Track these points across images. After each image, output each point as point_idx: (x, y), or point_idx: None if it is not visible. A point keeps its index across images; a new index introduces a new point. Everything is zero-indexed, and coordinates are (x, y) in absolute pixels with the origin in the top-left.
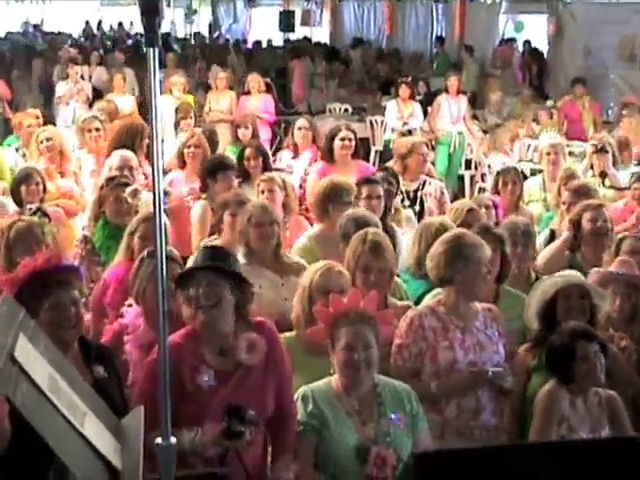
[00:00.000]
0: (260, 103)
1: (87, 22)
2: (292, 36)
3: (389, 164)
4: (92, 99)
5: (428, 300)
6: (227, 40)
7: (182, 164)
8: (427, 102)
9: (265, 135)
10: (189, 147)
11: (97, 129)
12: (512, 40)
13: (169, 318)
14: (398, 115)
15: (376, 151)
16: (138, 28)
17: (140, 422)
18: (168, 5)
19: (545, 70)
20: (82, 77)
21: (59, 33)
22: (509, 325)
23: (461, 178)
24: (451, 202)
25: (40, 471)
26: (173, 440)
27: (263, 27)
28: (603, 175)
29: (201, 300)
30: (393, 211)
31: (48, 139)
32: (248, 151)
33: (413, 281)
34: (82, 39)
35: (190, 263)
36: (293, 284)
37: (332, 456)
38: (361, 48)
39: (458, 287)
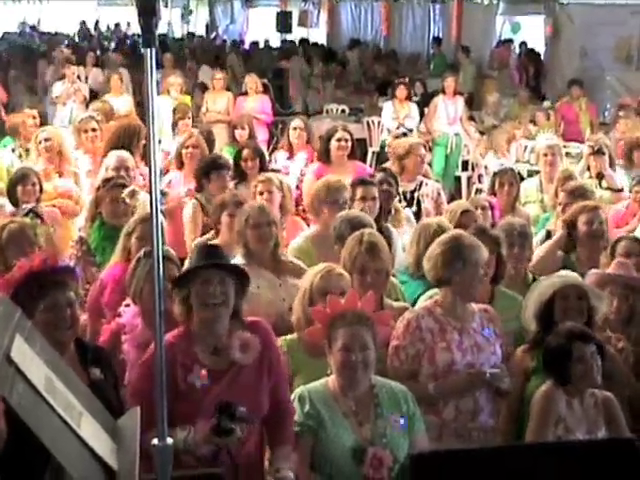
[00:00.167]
0: (257, 104)
1: (82, 22)
2: (289, 37)
3: (386, 165)
4: (89, 100)
5: (423, 301)
6: (224, 41)
7: (180, 164)
8: (424, 103)
9: (262, 136)
10: (187, 147)
11: (93, 129)
12: (509, 41)
13: (166, 318)
14: (394, 116)
15: (373, 152)
16: (135, 28)
17: (136, 423)
18: (165, 6)
19: (542, 71)
20: (79, 77)
21: (56, 33)
22: (505, 326)
23: (458, 179)
24: (448, 203)
25: (36, 471)
26: (170, 441)
27: (260, 28)
28: (600, 176)
29: (210, 298)
30: (393, 212)
31: (47, 139)
32: (245, 152)
33: (411, 282)
34: (77, 39)
35: (187, 263)
36: (291, 285)
37: (328, 457)
38: (358, 49)
39: (455, 288)
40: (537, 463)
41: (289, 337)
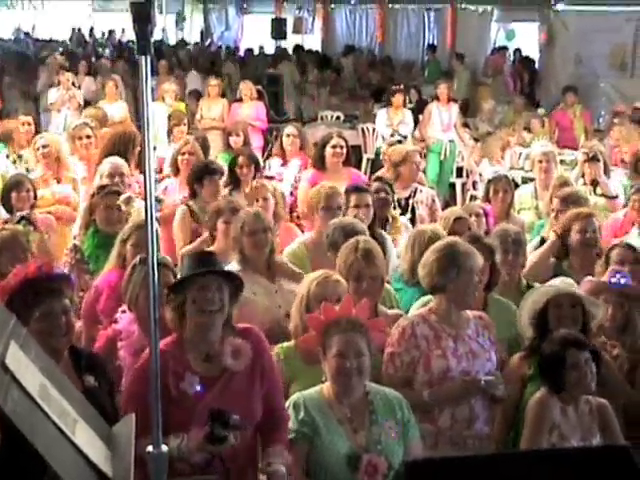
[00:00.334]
0: (252, 110)
1: (73, 29)
2: (284, 43)
3: (380, 172)
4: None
5: (417, 307)
6: (219, 47)
7: (176, 171)
8: (418, 110)
9: (257, 142)
10: (183, 154)
11: (88, 136)
12: (504, 48)
13: (161, 324)
14: (387, 123)
15: (368, 159)
16: (130, 35)
17: (131, 430)
18: (160, 12)
19: (536, 78)
20: (73, 84)
21: (50, 40)
22: (498, 334)
23: (452, 186)
24: (442, 210)
25: (31, 479)
26: (164, 448)
27: (255, 34)
28: (594, 183)
29: (208, 304)
30: (391, 220)
31: (45, 146)
32: (241, 159)
33: (406, 289)
34: (69, 46)
35: (178, 270)
36: (287, 291)
37: (323, 464)
38: (353, 56)
39: (450, 295)
40: (531, 470)
41: (286, 344)
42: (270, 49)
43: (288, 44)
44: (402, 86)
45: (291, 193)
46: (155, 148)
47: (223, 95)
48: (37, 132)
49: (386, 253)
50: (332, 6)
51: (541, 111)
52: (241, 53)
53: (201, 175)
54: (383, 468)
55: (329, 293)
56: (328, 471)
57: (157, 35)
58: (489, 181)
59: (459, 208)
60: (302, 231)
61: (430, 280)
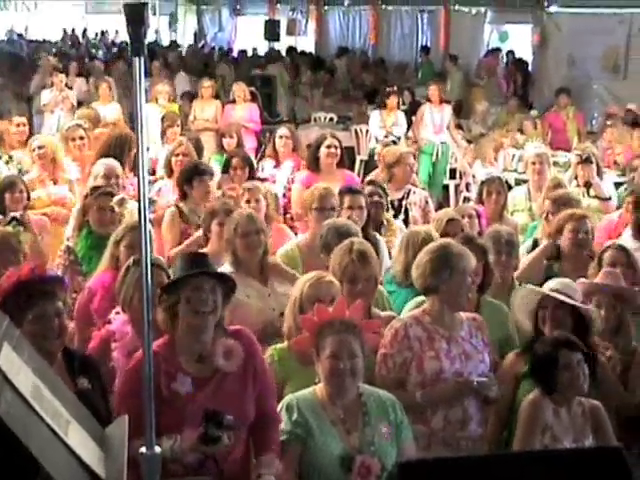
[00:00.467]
0: (245, 112)
1: (65, 30)
2: (277, 45)
3: (373, 174)
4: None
5: (410, 307)
6: (212, 48)
7: (170, 172)
8: (412, 111)
9: (250, 144)
10: (177, 155)
11: (81, 137)
12: (497, 50)
13: (155, 326)
14: (381, 124)
15: (361, 160)
16: (123, 36)
17: (124, 431)
18: (154, 14)
19: (529, 80)
20: (66, 85)
21: (44, 41)
22: (490, 335)
23: (446, 187)
24: (436, 211)
25: None
26: (157, 449)
27: (248, 36)
28: (588, 185)
29: (202, 305)
30: (386, 223)
31: (40, 147)
32: (235, 160)
33: (400, 290)
34: (62, 47)
35: (170, 272)
36: (280, 294)
37: (317, 465)
38: (346, 57)
39: (443, 296)
40: (524, 471)
41: (279, 346)
42: (263, 51)
43: (282, 46)
44: (395, 88)
45: (284, 195)
46: (148, 149)
47: (216, 96)
48: (31, 133)
49: (379, 255)
50: (325, 8)
51: (534, 113)
52: (234, 54)
53: (191, 176)
54: (376, 469)
55: (322, 294)
56: (321, 472)
57: (150, 37)
58: (482, 183)
59: (452, 210)
60: (295, 233)
61: (423, 281)
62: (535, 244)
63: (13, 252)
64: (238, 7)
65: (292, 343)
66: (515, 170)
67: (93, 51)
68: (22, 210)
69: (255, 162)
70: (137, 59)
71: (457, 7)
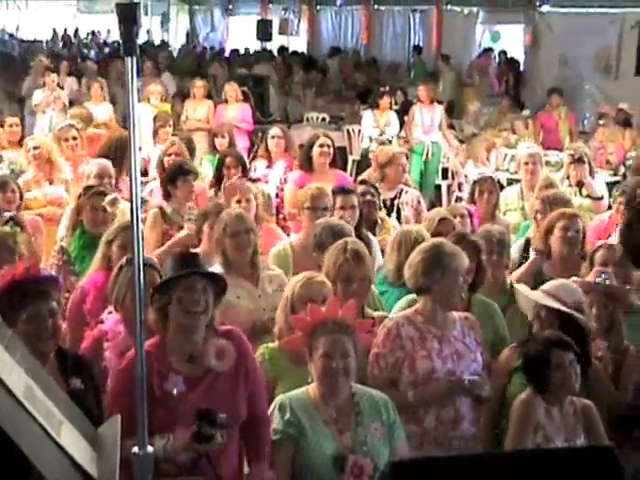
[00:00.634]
0: (237, 112)
1: (54, 30)
2: (269, 45)
3: (365, 174)
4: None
5: (400, 306)
6: (204, 48)
7: (162, 173)
8: (404, 111)
9: (243, 144)
10: (169, 155)
11: (74, 138)
12: (489, 50)
13: (147, 325)
14: (374, 124)
15: (353, 160)
16: (116, 36)
17: (117, 431)
18: (146, 14)
19: (521, 80)
20: (58, 85)
21: (35, 41)
22: (482, 333)
23: (438, 187)
24: (428, 211)
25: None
26: (150, 449)
27: (241, 36)
28: (580, 185)
29: (193, 305)
30: (380, 222)
31: (36, 147)
32: (228, 159)
33: (392, 290)
34: (52, 46)
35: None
36: (271, 294)
37: (309, 465)
38: (339, 57)
39: (435, 296)
40: (516, 470)
41: (270, 345)
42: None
43: (274, 45)
44: (388, 88)
45: (276, 195)
46: (140, 149)
47: (209, 96)
48: (22, 134)
49: (371, 254)
50: (318, 7)
51: (526, 113)
52: (226, 54)
53: (174, 176)
54: (369, 469)
55: (314, 294)
56: (314, 472)
57: (142, 37)
58: (474, 182)
59: (444, 209)
60: (287, 233)
61: (415, 281)
62: (527, 243)
63: (10, 252)
64: (230, 7)
65: (284, 343)
66: (507, 170)
67: (85, 51)
68: (15, 210)
69: (248, 162)
70: (129, 59)
71: (449, 7)
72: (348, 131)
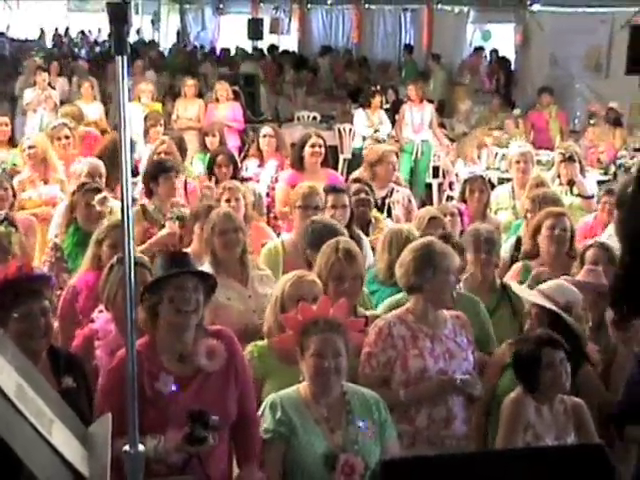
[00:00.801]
0: (228, 111)
1: (42, 29)
2: (260, 44)
3: (356, 173)
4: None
5: (386, 306)
6: (195, 47)
7: None
8: (395, 110)
9: (233, 143)
10: (159, 154)
11: (66, 137)
12: (481, 49)
13: (138, 324)
14: (367, 123)
15: (344, 159)
16: (106, 35)
17: (107, 430)
18: (137, 13)
19: (512, 79)
20: (49, 84)
21: (26, 40)
22: None
23: (429, 186)
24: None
25: (7, 479)
26: (141, 448)
27: (232, 35)
28: (571, 183)
29: (185, 304)
30: (373, 220)
31: (31, 147)
32: (220, 158)
33: (384, 289)
34: (42, 46)
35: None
36: (261, 295)
37: (300, 463)
38: (329, 56)
39: (427, 295)
40: (507, 469)
41: (260, 343)
42: (247, 50)
43: (265, 44)
44: (379, 87)
45: (267, 194)
46: (133, 148)
47: (200, 95)
48: (12, 134)
49: (362, 253)
50: (309, 6)
51: (517, 112)
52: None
53: (156, 173)
54: (360, 468)
55: (304, 293)
56: (305, 471)
57: (133, 36)
58: (465, 181)
59: (434, 208)
60: (278, 232)
61: (407, 280)
62: (518, 242)
63: (4, 252)
64: (221, 6)
65: (274, 341)
66: (498, 168)
67: (76, 50)
68: (8, 209)
69: (239, 161)
70: (120, 58)
71: (440, 6)
72: (339, 130)
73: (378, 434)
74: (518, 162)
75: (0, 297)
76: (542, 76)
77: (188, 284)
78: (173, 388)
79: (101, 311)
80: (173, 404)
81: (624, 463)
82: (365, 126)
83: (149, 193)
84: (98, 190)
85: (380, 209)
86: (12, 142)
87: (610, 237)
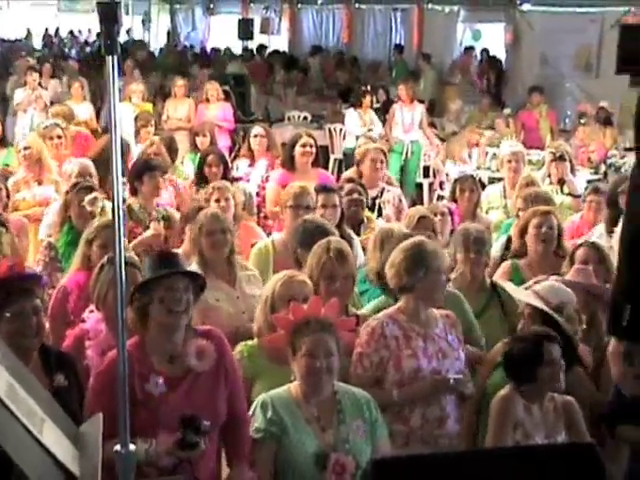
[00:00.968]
0: (219, 111)
1: (28, 30)
2: (251, 44)
3: (347, 173)
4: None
5: (371, 307)
6: (185, 47)
7: None
8: (385, 110)
9: (224, 143)
10: (148, 155)
11: (58, 136)
12: (471, 49)
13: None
14: (360, 123)
15: (335, 159)
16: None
17: (99, 429)
18: (127, 13)
19: (502, 78)
20: (40, 85)
21: (16, 40)
22: None
23: (420, 186)
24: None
25: None
26: (132, 447)
27: (222, 35)
28: (561, 182)
29: (176, 304)
30: (366, 220)
31: (26, 148)
32: (210, 157)
33: (374, 289)
34: (31, 46)
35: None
36: (249, 296)
37: (291, 463)
38: (320, 56)
39: (418, 294)
40: (498, 467)
41: (249, 343)
42: (237, 50)
43: (255, 44)
44: (370, 87)
45: (257, 194)
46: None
47: (189, 95)
48: (3, 134)
49: (353, 253)
50: (299, 6)
51: (507, 111)
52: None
53: (141, 172)
54: (351, 467)
55: (295, 293)
56: (296, 470)
57: (123, 36)
58: (455, 181)
59: (424, 207)
60: (268, 232)
61: (398, 280)
62: (509, 241)
63: None
64: (211, 6)
65: (265, 341)
66: (489, 168)
67: (66, 50)
68: (1, 209)
69: (229, 161)
70: (110, 58)
71: (430, 6)
72: (330, 130)
73: (369, 433)
74: (509, 161)
75: None
76: (532, 75)
77: (179, 284)
78: (163, 389)
79: (92, 311)
80: (163, 405)
81: (615, 462)
82: (358, 126)
83: (133, 191)
84: (91, 189)
85: (371, 209)
86: (3, 143)
87: (601, 236)
